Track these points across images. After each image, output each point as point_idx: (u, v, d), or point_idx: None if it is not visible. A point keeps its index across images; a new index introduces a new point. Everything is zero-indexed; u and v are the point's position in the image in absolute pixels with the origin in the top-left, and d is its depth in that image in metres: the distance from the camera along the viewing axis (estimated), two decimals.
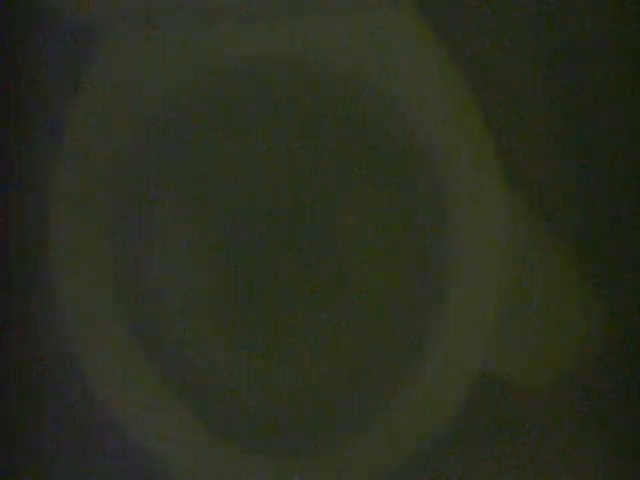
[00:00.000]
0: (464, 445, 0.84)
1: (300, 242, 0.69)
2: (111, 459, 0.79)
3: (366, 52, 0.65)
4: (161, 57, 0.65)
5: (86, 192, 0.63)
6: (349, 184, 0.69)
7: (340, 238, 0.69)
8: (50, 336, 0.82)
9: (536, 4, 0.94)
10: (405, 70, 0.65)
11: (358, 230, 0.69)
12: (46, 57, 0.89)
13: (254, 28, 0.65)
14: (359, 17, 0.64)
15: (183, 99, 0.67)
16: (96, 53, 0.65)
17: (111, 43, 0.65)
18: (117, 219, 0.64)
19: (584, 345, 0.88)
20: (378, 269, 0.69)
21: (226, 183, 0.71)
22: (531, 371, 0.85)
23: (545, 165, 0.92)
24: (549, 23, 0.95)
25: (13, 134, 0.84)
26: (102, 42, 0.65)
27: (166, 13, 0.64)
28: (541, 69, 0.97)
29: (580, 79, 0.94)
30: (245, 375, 0.65)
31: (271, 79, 0.68)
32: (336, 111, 0.68)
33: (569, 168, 0.92)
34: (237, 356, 0.65)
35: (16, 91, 0.86)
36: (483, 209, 0.63)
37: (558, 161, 0.93)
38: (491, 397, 0.85)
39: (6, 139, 0.84)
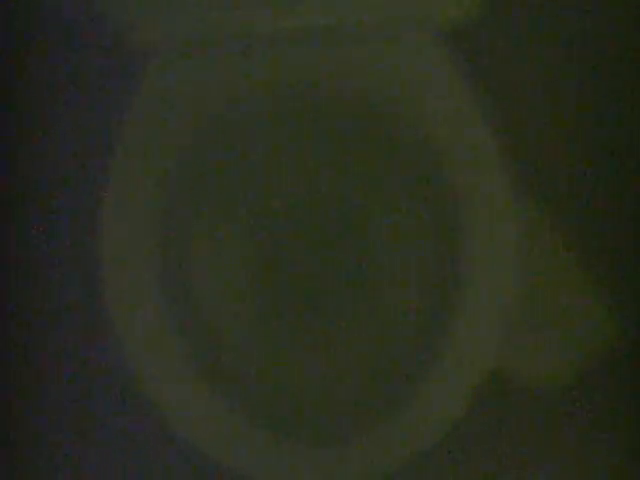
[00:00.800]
0: (473, 442, 0.84)
1: (327, 240, 0.72)
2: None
3: (386, 74, 0.69)
4: (207, 79, 0.69)
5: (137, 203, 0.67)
6: (372, 188, 0.73)
7: (364, 238, 0.72)
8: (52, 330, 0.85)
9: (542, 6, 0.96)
10: (420, 87, 0.68)
11: (381, 231, 0.72)
12: (97, 79, 0.93)
13: (289, 53, 0.69)
14: (379, 45, 0.69)
15: (227, 117, 0.71)
16: (144, 76, 0.68)
17: (159, 66, 0.69)
18: (164, 217, 0.67)
19: (596, 348, 0.89)
20: (396, 269, 0.72)
21: (266, 189, 0.75)
22: (541, 371, 0.87)
23: (556, 169, 0.93)
24: (554, 24, 0.97)
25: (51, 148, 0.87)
26: (151, 65, 0.69)
27: (211, 38, 0.68)
28: (546, 70, 0.99)
29: (584, 79, 0.95)
30: (273, 363, 0.68)
31: (303, 99, 0.72)
32: (360, 124, 0.72)
33: (581, 172, 0.93)
34: (266, 342, 0.69)
35: (64, 104, 0.89)
36: (495, 214, 0.64)
37: (569, 165, 0.94)
38: (501, 396, 0.86)
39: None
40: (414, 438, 0.62)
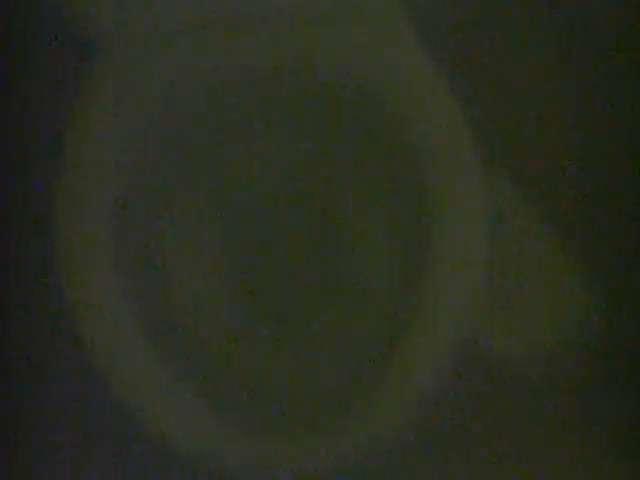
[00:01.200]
0: (447, 415, 0.85)
1: (303, 228, 0.73)
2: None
3: (363, 57, 0.69)
4: (166, 65, 0.69)
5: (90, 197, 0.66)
6: (343, 171, 0.73)
7: (333, 222, 0.73)
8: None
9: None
10: (400, 74, 0.69)
11: (357, 218, 0.73)
12: (48, 66, 0.93)
13: (257, 37, 0.69)
14: (358, 27, 0.69)
15: (188, 105, 0.71)
16: (98, 64, 0.69)
17: (113, 54, 0.69)
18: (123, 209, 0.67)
19: (576, 328, 0.90)
20: (367, 250, 0.72)
21: (237, 181, 0.75)
22: (518, 349, 0.87)
23: (529, 148, 0.94)
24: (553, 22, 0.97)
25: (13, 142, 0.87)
26: (104, 53, 0.69)
27: (170, 24, 0.68)
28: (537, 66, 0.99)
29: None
30: (250, 353, 0.69)
31: (276, 86, 0.72)
32: (337, 112, 0.73)
33: (555, 153, 0.94)
34: (238, 331, 0.70)
35: (17, 98, 0.89)
36: (466, 193, 0.66)
37: (542, 146, 0.95)
38: (475, 370, 0.87)
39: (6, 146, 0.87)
40: (386, 416, 0.63)
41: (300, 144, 0.75)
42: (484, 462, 0.81)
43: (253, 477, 0.62)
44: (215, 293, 0.71)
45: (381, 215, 0.73)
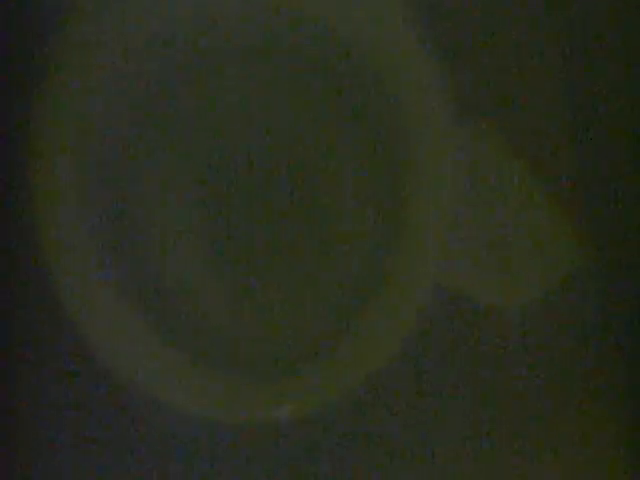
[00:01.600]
0: (422, 361, 0.86)
1: (282, 188, 0.73)
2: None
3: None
4: (145, 16, 0.68)
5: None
6: (319, 125, 0.74)
7: (311, 172, 0.74)
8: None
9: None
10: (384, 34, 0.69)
11: (328, 166, 0.74)
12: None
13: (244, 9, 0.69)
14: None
15: (168, 77, 0.70)
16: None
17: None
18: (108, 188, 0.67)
19: (556, 272, 0.91)
20: (342, 198, 0.73)
21: (219, 154, 0.76)
22: (497, 288, 0.88)
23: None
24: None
25: None
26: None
27: None
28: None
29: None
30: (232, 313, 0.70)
31: (255, 33, 0.72)
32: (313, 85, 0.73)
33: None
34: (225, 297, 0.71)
35: None
36: (439, 138, 0.66)
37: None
38: (450, 314, 0.87)
39: None
40: (365, 359, 0.63)
41: (278, 114, 0.75)
42: (465, 399, 0.83)
43: (251, 416, 0.63)
44: (196, 252, 0.72)
45: (359, 177, 0.74)
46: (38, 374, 0.82)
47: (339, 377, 0.62)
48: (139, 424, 0.76)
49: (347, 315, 0.65)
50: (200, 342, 0.67)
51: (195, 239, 0.72)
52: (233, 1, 0.69)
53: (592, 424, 0.79)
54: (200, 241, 0.72)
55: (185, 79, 0.73)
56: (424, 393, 0.84)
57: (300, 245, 0.72)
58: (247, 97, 0.74)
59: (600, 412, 0.80)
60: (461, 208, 0.65)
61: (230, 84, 0.74)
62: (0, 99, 0.82)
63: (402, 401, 0.83)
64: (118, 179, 0.68)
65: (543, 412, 0.80)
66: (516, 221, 0.86)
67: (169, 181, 0.73)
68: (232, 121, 0.74)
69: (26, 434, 0.81)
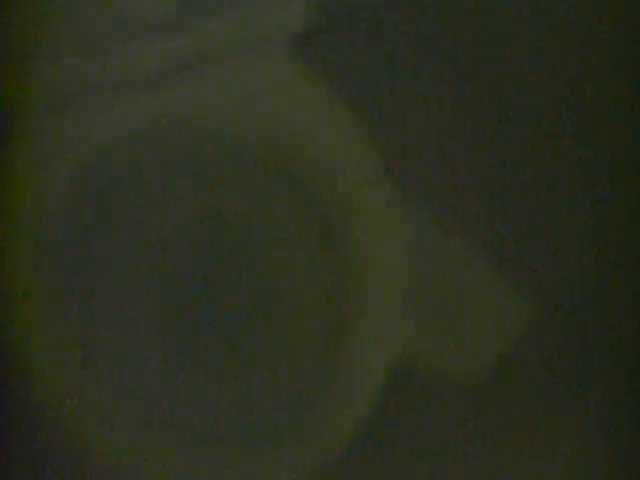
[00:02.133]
0: (386, 428, 0.86)
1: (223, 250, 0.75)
2: None
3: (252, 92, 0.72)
4: (80, 125, 0.71)
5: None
6: (258, 207, 0.76)
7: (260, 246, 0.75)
8: None
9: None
10: (291, 105, 0.71)
11: (276, 238, 0.75)
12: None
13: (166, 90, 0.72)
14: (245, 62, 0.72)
15: (103, 166, 0.72)
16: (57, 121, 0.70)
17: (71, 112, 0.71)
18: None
19: (505, 333, 0.92)
20: (296, 265, 0.74)
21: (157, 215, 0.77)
22: (452, 358, 0.89)
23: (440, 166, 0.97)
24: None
25: None
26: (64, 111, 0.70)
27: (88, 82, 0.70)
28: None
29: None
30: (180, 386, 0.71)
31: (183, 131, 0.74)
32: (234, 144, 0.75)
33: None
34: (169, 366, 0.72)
35: None
36: (384, 219, 0.69)
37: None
38: (412, 383, 0.88)
39: None
40: (322, 443, 0.64)
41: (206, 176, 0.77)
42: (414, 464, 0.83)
43: None
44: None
45: (308, 251, 0.76)
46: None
47: (297, 460, 0.62)
48: None
49: (309, 392, 0.66)
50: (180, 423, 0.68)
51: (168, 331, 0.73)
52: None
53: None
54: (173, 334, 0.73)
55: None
56: (387, 456, 0.84)
57: (259, 320, 0.73)
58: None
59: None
60: (413, 283, 0.67)
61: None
62: None
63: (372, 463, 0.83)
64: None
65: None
66: (463, 289, 0.88)
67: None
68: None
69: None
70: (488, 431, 0.87)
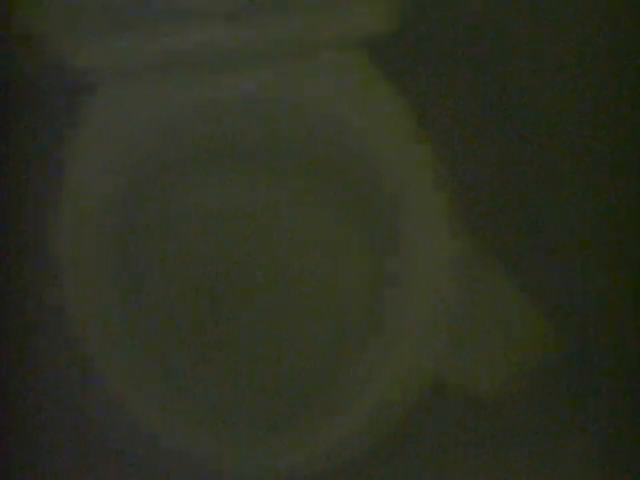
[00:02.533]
0: (416, 445, 0.88)
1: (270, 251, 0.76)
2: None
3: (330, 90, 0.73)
4: (151, 105, 0.72)
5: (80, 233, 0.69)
6: (310, 205, 0.77)
7: (305, 251, 0.76)
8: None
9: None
10: (364, 105, 0.73)
11: (322, 243, 0.77)
12: (45, 104, 0.97)
13: (223, 76, 0.73)
14: (321, 61, 0.73)
15: (172, 144, 0.74)
16: (91, 102, 0.72)
17: (105, 93, 0.72)
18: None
19: (531, 357, 0.93)
20: (339, 278, 0.76)
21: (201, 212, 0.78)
22: (480, 378, 0.90)
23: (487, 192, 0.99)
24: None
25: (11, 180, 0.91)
26: (97, 93, 0.72)
27: (155, 65, 0.72)
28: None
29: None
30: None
31: (247, 119, 0.76)
32: (302, 138, 0.76)
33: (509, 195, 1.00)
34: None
35: (16, 135, 0.94)
36: (433, 226, 0.69)
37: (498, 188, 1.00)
38: (442, 401, 0.89)
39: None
40: (353, 443, 0.65)
41: (259, 175, 0.78)
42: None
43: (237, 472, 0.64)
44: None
45: (353, 258, 0.77)
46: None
47: (327, 459, 0.63)
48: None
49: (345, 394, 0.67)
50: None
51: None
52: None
53: None
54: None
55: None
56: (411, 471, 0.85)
57: (296, 329, 0.74)
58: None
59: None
60: (449, 307, 0.68)
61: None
62: None
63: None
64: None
65: None
66: (493, 315, 0.88)
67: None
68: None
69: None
70: (509, 445, 0.88)
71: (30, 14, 0.68)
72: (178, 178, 0.78)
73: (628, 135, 0.74)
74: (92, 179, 0.70)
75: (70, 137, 0.72)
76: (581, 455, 0.90)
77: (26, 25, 0.69)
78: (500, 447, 0.90)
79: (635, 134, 0.72)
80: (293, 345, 0.73)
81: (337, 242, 0.77)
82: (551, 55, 0.88)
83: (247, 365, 0.74)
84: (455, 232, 0.70)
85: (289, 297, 0.74)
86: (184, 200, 0.78)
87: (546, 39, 0.88)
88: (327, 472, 0.64)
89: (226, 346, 0.74)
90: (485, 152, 1.02)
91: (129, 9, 0.69)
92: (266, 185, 0.78)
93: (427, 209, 0.70)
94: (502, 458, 0.90)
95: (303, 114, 0.74)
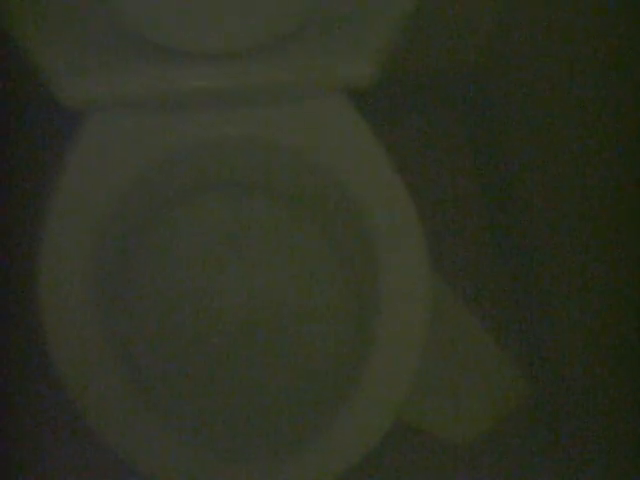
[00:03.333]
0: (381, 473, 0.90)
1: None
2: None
3: (305, 133, 0.75)
4: (138, 138, 0.74)
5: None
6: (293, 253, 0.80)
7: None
8: None
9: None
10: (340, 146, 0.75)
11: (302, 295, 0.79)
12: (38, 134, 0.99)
13: (219, 114, 0.75)
14: (299, 106, 0.75)
15: (158, 176, 0.76)
16: (81, 134, 0.73)
17: (95, 124, 0.74)
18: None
19: (501, 404, 0.95)
20: (317, 322, 0.78)
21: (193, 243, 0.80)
22: (449, 424, 0.92)
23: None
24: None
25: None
26: (87, 124, 0.73)
27: (144, 99, 0.73)
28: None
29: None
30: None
31: (232, 155, 0.78)
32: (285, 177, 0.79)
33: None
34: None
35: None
36: (408, 277, 0.71)
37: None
38: (407, 445, 0.92)
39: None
40: (323, 469, 0.66)
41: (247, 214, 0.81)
42: None
43: None
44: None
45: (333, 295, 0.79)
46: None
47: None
48: None
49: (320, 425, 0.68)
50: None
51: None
52: None
53: None
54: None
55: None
56: None
57: (283, 366, 0.76)
58: None
59: None
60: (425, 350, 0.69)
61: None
62: None
63: None
64: None
65: None
66: (465, 365, 0.90)
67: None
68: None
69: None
70: None
71: (27, 40, 0.69)
72: (169, 209, 0.80)
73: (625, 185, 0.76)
74: (85, 205, 0.72)
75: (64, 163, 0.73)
76: None
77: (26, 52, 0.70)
78: None
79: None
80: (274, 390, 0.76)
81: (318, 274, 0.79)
82: (546, 107, 0.90)
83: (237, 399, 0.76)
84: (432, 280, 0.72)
85: (272, 356, 0.77)
86: (177, 231, 0.80)
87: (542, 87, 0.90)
88: None
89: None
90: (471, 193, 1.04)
91: (125, 46, 0.71)
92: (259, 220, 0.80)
93: (406, 256, 0.72)
94: None
95: (287, 158, 0.76)
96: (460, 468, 0.92)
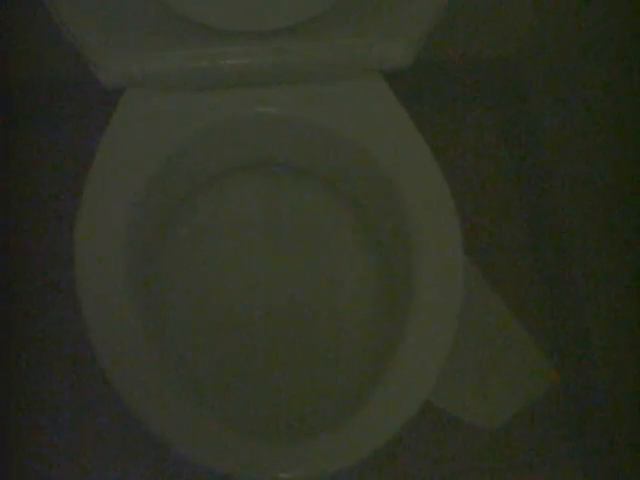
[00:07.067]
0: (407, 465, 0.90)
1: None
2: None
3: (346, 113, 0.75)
4: (175, 116, 0.74)
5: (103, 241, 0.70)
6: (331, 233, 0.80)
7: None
8: None
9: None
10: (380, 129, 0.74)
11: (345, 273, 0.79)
12: (66, 115, 1.00)
13: (255, 92, 0.75)
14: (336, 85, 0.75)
15: (193, 155, 0.75)
16: (118, 111, 0.74)
17: (132, 101, 0.74)
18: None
19: (530, 391, 0.94)
20: (357, 306, 0.78)
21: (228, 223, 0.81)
22: (477, 409, 0.91)
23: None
24: None
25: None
26: (124, 101, 0.74)
27: (182, 77, 0.73)
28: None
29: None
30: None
31: (268, 133, 0.78)
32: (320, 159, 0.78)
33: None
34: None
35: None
36: (442, 260, 0.70)
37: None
38: (436, 428, 0.92)
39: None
40: (354, 449, 0.66)
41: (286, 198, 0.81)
42: None
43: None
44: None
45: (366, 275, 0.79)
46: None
47: (330, 462, 0.65)
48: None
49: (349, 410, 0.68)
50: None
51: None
52: None
53: None
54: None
55: None
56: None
57: (317, 349, 0.76)
58: None
59: None
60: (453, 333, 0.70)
61: None
62: None
63: None
64: None
65: None
66: (495, 351, 0.89)
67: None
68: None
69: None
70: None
71: (68, 21, 0.69)
72: (202, 188, 0.80)
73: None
74: (117, 188, 0.72)
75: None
76: None
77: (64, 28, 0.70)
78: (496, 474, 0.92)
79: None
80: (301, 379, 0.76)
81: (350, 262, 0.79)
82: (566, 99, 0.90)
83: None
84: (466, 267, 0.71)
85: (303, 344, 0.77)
86: (210, 210, 0.80)
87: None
88: None
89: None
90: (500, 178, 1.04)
91: (164, 24, 0.71)
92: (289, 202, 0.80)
93: (440, 243, 0.71)
94: None
95: (322, 135, 0.76)
96: (486, 453, 0.92)
